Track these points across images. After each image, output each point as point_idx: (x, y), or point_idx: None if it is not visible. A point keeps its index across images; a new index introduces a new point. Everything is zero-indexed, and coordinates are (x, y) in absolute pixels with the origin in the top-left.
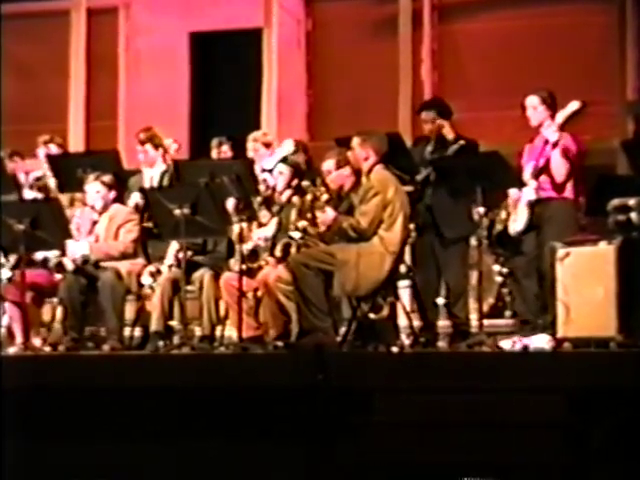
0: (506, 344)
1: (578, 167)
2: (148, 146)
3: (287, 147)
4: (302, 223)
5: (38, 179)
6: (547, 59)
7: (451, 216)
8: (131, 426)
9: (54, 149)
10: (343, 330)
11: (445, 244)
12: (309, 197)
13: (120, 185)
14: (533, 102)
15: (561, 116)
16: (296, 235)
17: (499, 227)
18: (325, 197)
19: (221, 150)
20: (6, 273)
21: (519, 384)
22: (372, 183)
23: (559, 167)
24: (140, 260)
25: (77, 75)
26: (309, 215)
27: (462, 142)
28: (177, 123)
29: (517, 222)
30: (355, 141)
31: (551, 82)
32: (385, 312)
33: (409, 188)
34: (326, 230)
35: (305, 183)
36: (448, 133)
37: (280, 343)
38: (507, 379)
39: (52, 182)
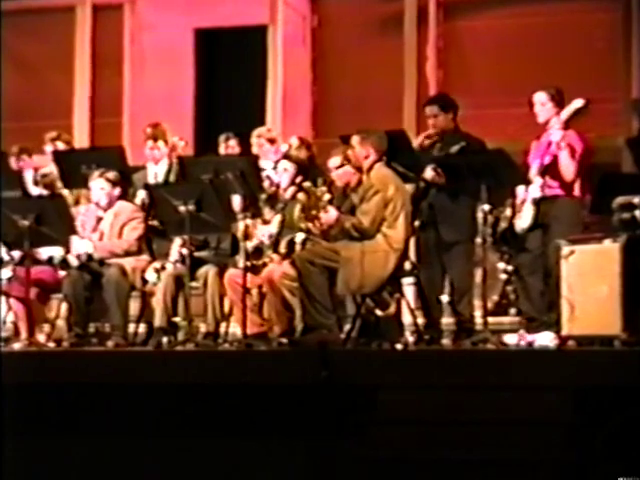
0: (511, 339)
1: (585, 165)
2: (160, 143)
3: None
4: (306, 224)
5: (44, 176)
6: (552, 57)
7: (452, 218)
8: (135, 422)
9: (61, 146)
10: (347, 327)
11: (448, 243)
12: (312, 197)
13: (125, 182)
14: (541, 98)
15: (565, 113)
16: (301, 236)
17: (504, 225)
18: (327, 197)
19: (228, 145)
20: (7, 273)
21: (523, 382)
22: (372, 182)
23: (567, 167)
24: (145, 256)
25: (82, 72)
26: (314, 212)
27: (463, 143)
28: (182, 120)
29: (523, 219)
30: (355, 139)
31: (556, 80)
32: (392, 309)
33: (411, 186)
34: (329, 230)
35: (307, 184)
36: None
37: (284, 340)
38: (511, 377)
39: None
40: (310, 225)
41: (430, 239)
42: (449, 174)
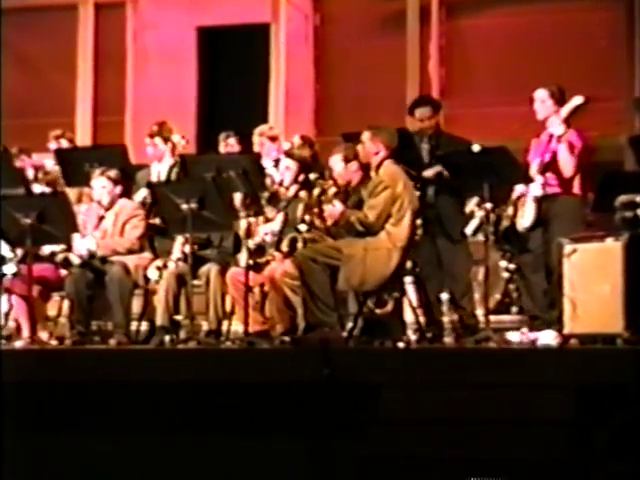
0: (514, 337)
1: (585, 163)
2: (158, 139)
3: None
4: (311, 216)
5: (46, 173)
6: (554, 55)
7: (455, 217)
8: (136, 420)
9: (65, 144)
10: (349, 325)
11: (449, 241)
12: (317, 190)
13: (127, 180)
14: (541, 95)
15: (565, 110)
16: (303, 228)
17: (505, 223)
18: (333, 190)
19: (228, 143)
20: (11, 268)
21: (525, 380)
22: (382, 177)
23: (566, 162)
24: (147, 254)
25: (84, 70)
26: (316, 210)
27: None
28: (184, 118)
29: (524, 218)
30: (365, 135)
31: (558, 78)
32: (389, 307)
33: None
34: (333, 224)
35: (313, 176)
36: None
37: (286, 338)
38: (513, 375)
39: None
40: (314, 218)
41: (431, 237)
42: (451, 173)
